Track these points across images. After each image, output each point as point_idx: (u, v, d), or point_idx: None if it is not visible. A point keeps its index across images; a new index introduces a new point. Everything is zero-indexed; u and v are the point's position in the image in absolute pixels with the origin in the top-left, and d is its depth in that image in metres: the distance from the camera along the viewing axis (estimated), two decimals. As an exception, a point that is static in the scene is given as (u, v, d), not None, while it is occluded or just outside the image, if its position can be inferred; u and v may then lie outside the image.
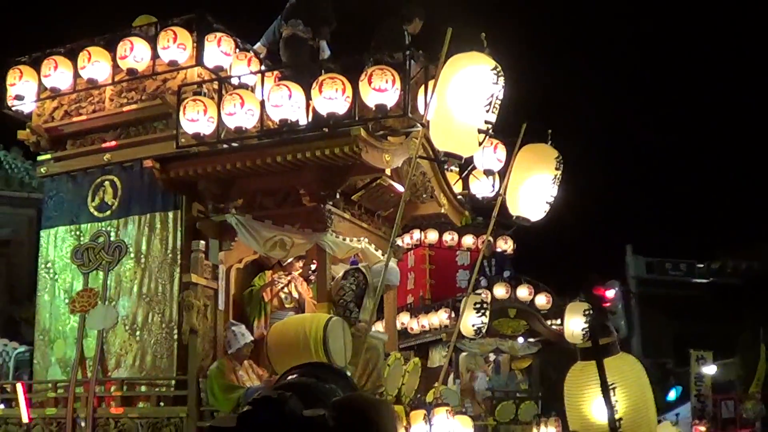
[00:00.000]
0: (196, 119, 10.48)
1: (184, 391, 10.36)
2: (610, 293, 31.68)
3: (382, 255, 11.54)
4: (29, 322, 13.44)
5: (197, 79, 11.15)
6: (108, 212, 11.44)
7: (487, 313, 14.96)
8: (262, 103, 10.45)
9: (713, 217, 41.26)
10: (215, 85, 10.91)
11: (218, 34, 11.30)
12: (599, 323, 14.60)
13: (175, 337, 10.61)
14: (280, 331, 10.37)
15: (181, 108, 10.56)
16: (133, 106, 11.44)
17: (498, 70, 8.40)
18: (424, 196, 12.22)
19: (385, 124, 10.53)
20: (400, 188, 11.31)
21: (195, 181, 10.77)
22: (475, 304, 14.63)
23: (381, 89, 9.79)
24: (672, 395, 30.87)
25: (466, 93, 8.40)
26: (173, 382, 10.64)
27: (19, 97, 11.90)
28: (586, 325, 15.64)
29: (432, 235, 20.49)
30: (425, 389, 12.48)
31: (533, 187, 10.05)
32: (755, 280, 36.55)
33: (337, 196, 10.78)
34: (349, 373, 9.21)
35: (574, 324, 15.73)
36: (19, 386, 10.97)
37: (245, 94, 10.55)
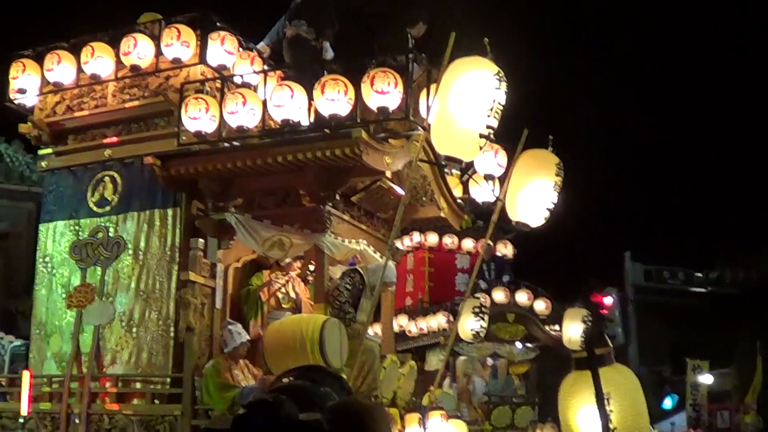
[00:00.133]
0: (198, 117, 10.48)
1: (179, 389, 10.35)
2: (608, 300, 31.67)
3: (381, 257, 11.55)
4: (26, 316, 13.42)
5: (200, 77, 11.15)
6: (107, 208, 11.44)
7: (486, 317, 14.93)
8: (264, 103, 10.45)
9: (712, 226, 41.25)
10: (218, 84, 10.90)
11: (222, 33, 11.30)
12: (595, 333, 14.63)
13: (172, 334, 10.60)
14: (276, 331, 10.36)
15: (183, 106, 10.56)
16: (136, 103, 11.44)
17: (500, 75, 8.42)
18: (424, 199, 12.22)
19: (386, 126, 10.53)
20: (400, 191, 11.32)
21: (195, 179, 10.78)
22: (473, 308, 14.59)
23: (383, 92, 9.79)
24: (668, 404, 30.88)
25: (467, 97, 8.41)
26: (168, 379, 10.64)
27: (21, 91, 11.92)
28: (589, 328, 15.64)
29: (432, 238, 20.42)
30: (422, 392, 12.48)
31: (533, 193, 10.04)
32: (753, 290, 36.53)
33: (337, 198, 10.78)
34: (344, 376, 9.23)
35: (573, 330, 15.70)
36: (26, 374, 10.93)
37: (247, 93, 10.55)
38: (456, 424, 11.73)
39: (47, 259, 11.72)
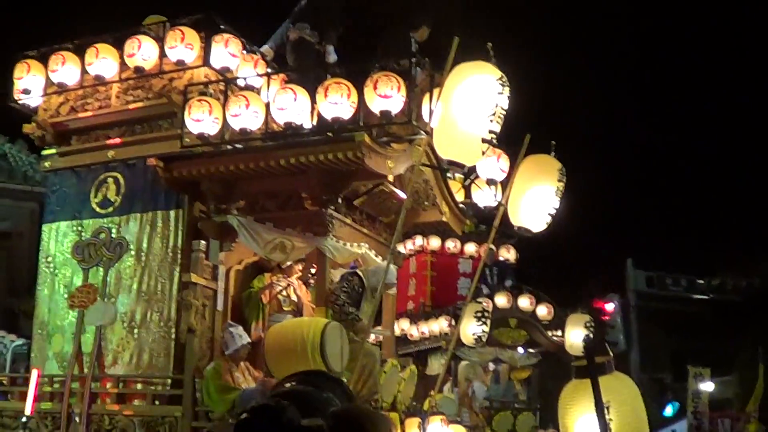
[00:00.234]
0: (201, 119, 10.50)
1: (180, 390, 10.37)
2: (610, 306, 31.66)
3: (383, 261, 11.57)
4: (28, 316, 13.44)
5: (203, 79, 11.17)
6: (110, 209, 11.47)
7: (488, 322, 14.93)
8: (268, 106, 10.46)
9: (715, 233, 41.21)
10: (221, 86, 10.91)
11: (226, 35, 11.32)
12: (595, 341, 14.63)
13: (173, 336, 10.63)
14: (277, 334, 10.37)
15: (187, 107, 10.58)
16: (139, 104, 11.48)
17: (503, 80, 8.43)
18: (426, 203, 12.24)
19: (389, 130, 10.55)
20: (402, 195, 11.32)
21: (198, 180, 10.79)
22: (476, 312, 14.61)
23: (386, 96, 9.80)
24: (669, 411, 30.85)
25: (470, 102, 8.42)
26: (169, 381, 10.65)
27: (26, 91, 11.95)
28: (590, 335, 15.63)
29: (434, 242, 20.43)
30: (423, 397, 12.49)
31: (535, 198, 10.04)
32: (755, 297, 36.48)
33: (339, 201, 10.79)
34: (345, 380, 9.24)
35: (575, 336, 15.69)
36: (33, 373, 10.93)
37: (251, 95, 10.56)
38: (456, 429, 11.74)
39: (50, 259, 11.75)
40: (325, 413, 2.72)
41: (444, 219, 12.51)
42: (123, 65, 11.51)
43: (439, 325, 18.59)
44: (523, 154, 10.19)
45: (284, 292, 11.68)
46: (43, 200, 13.81)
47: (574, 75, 45.90)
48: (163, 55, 11.31)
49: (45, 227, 11.99)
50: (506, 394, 19.68)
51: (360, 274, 11.16)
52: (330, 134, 10.22)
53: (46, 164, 12.20)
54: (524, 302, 18.87)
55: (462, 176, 12.07)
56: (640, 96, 53.65)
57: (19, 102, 12.10)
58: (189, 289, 10.45)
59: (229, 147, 10.75)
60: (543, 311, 18.92)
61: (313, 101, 10.26)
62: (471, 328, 14.60)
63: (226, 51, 11.31)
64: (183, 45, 11.14)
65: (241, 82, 11.27)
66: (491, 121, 8.38)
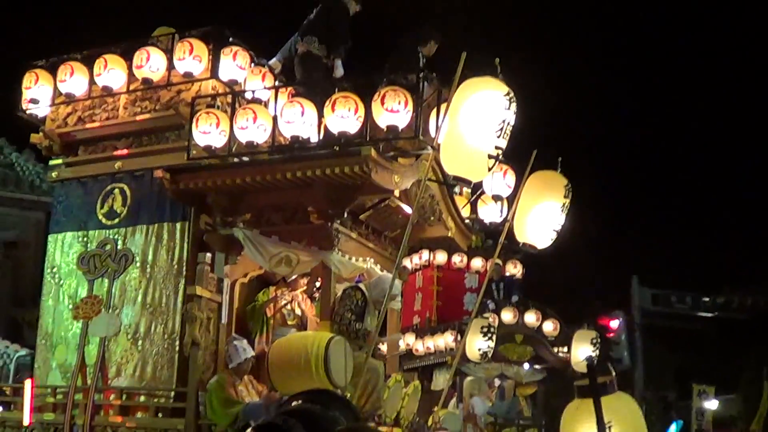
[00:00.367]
0: (209, 132, 10.50)
1: (183, 403, 10.34)
2: (615, 324, 31.64)
3: (383, 272, 11.59)
4: (32, 326, 13.44)
5: (211, 91, 11.16)
6: (116, 220, 11.45)
7: (494, 337, 14.92)
8: (275, 119, 10.47)
9: (720, 251, 41.21)
10: (229, 99, 10.90)
11: (234, 48, 11.31)
12: (598, 361, 14.58)
13: (177, 348, 10.60)
14: (281, 348, 10.36)
15: (194, 120, 10.58)
16: (147, 116, 11.47)
17: (510, 95, 8.41)
18: (432, 218, 12.22)
19: (395, 145, 10.53)
20: (408, 210, 11.32)
21: (204, 193, 10.78)
22: (482, 328, 14.61)
23: (393, 110, 9.81)
24: (673, 429, 30.79)
25: (477, 117, 8.40)
26: (172, 393, 10.62)
27: (34, 101, 11.95)
28: (594, 354, 15.61)
29: (441, 257, 20.42)
30: (428, 412, 12.47)
31: (541, 215, 10.03)
32: (760, 316, 36.46)
33: (345, 215, 10.76)
34: (348, 394, 9.24)
35: (582, 352, 15.68)
36: (27, 383, 10.94)
37: (258, 108, 10.56)
38: (460, 444, 11.72)
39: (55, 269, 11.74)
40: (331, 432, 2.72)
41: (450, 234, 12.49)
42: (131, 76, 11.52)
43: (445, 340, 18.56)
44: (529, 170, 10.18)
45: (289, 306, 11.68)
46: (49, 210, 13.82)
47: (582, 92, 45.93)
48: (171, 66, 11.31)
49: (51, 237, 11.98)
50: (511, 410, 19.63)
51: (362, 287, 11.14)
52: (337, 148, 10.21)
53: (53, 174, 12.19)
54: (530, 318, 18.85)
55: (469, 191, 12.06)
56: (647, 114, 53.69)
57: (27, 112, 12.10)
58: (194, 302, 10.44)
59: (235, 160, 10.75)
60: (549, 327, 18.90)
61: (321, 115, 10.26)
62: (477, 344, 14.60)
63: (234, 64, 11.30)
64: (191, 57, 11.15)
65: (248, 95, 11.26)
66: (498, 136, 8.37)
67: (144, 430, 10.53)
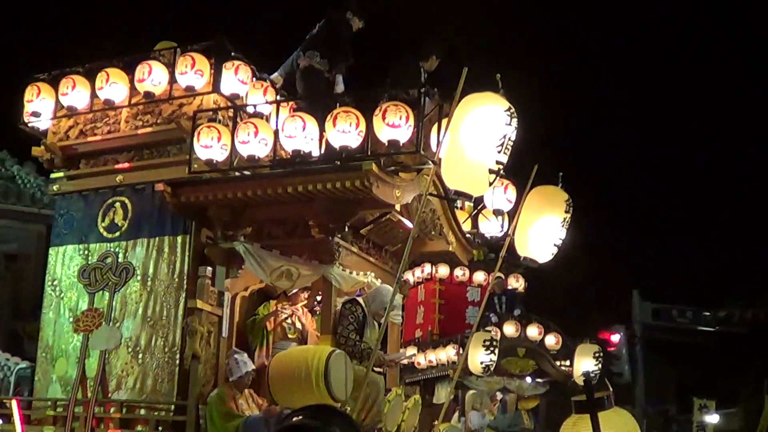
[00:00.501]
0: (210, 146, 10.52)
1: (184, 416, 10.34)
2: (615, 338, 31.63)
3: (381, 283, 11.62)
4: (33, 338, 13.45)
5: (213, 105, 11.18)
6: (117, 233, 11.45)
7: (496, 350, 14.92)
8: (276, 133, 10.48)
9: (721, 265, 41.20)
10: (230, 113, 10.92)
11: (236, 62, 11.34)
12: (595, 376, 14.56)
13: (177, 362, 10.59)
14: (282, 362, 10.37)
15: (196, 134, 10.59)
16: (148, 129, 11.49)
17: (511, 111, 8.42)
18: (433, 233, 12.24)
19: (397, 159, 10.56)
20: (409, 224, 11.33)
21: (205, 207, 10.80)
22: (484, 341, 14.62)
23: (394, 125, 9.82)
24: (673, 443, 30.81)
25: (478, 132, 8.41)
26: (173, 407, 10.61)
27: (35, 114, 11.97)
28: (596, 368, 15.62)
29: (443, 270, 20.42)
30: (430, 426, 12.47)
31: (542, 229, 10.03)
32: (761, 329, 36.46)
33: (346, 230, 10.79)
34: (349, 408, 9.23)
35: (584, 366, 15.67)
36: (14, 403, 10.94)
37: (259, 123, 10.58)
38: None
39: (56, 282, 11.73)
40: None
41: (451, 249, 12.51)
42: (133, 90, 11.54)
43: (447, 353, 18.55)
44: (530, 185, 10.19)
45: (289, 320, 11.68)
46: (50, 223, 13.80)
47: (583, 107, 45.99)
48: (173, 80, 11.33)
49: (52, 250, 11.97)
50: (513, 424, 19.63)
51: (360, 301, 11.14)
52: (338, 163, 10.23)
53: (55, 187, 12.20)
54: (533, 331, 18.83)
55: (471, 205, 12.08)
56: (647, 130, 53.74)
57: (29, 125, 12.12)
58: (194, 315, 10.45)
59: (237, 174, 10.76)
60: (551, 341, 18.88)
61: (322, 129, 10.29)
62: (480, 357, 14.60)
63: (236, 78, 11.32)
64: (193, 71, 11.17)
65: (250, 109, 11.29)
66: (499, 151, 8.38)
67: (144, 443, 10.54)
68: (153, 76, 11.32)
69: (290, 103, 11.47)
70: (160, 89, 11.38)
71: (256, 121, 10.61)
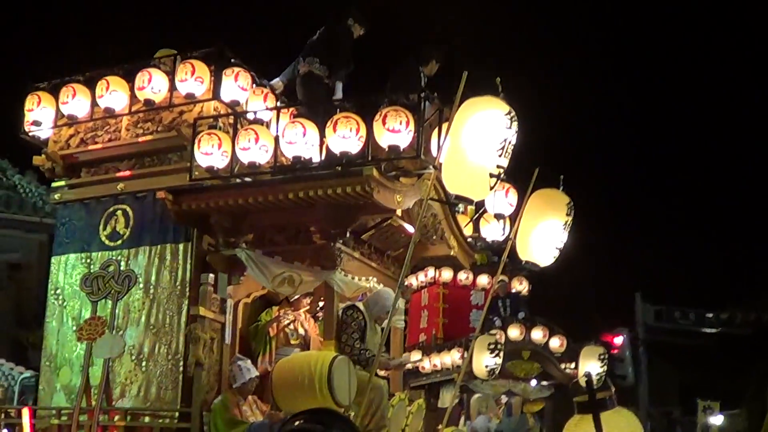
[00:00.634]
0: (211, 153, 10.52)
1: (188, 423, 10.34)
2: (618, 340, 31.60)
3: (382, 286, 11.62)
4: (36, 348, 13.45)
5: (213, 112, 11.17)
6: (119, 241, 11.45)
7: (501, 354, 14.91)
8: (277, 140, 10.50)
9: (723, 267, 41.18)
10: (230, 120, 10.93)
11: (236, 69, 11.34)
12: (600, 378, 14.55)
13: (181, 369, 10.59)
14: (285, 368, 10.38)
15: (196, 141, 10.60)
16: (149, 137, 11.49)
17: (512, 114, 8.43)
18: (434, 237, 12.22)
19: (397, 164, 10.55)
20: (410, 229, 11.34)
21: (207, 214, 10.80)
22: (489, 344, 14.61)
23: (395, 130, 9.83)
24: (677, 445, 30.80)
25: (479, 137, 8.42)
26: (177, 414, 10.60)
27: (36, 123, 11.97)
28: (601, 370, 15.61)
29: (446, 274, 20.39)
30: (434, 430, 12.46)
31: (543, 233, 10.04)
32: (764, 331, 36.43)
33: (348, 235, 10.80)
34: (353, 413, 9.22)
35: (589, 368, 15.65)
36: (25, 411, 10.95)
37: (260, 129, 10.59)
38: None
39: (58, 291, 11.73)
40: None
41: (452, 253, 12.51)
42: (133, 98, 11.54)
43: (451, 357, 18.54)
44: (531, 188, 10.20)
45: (292, 326, 11.68)
46: (52, 231, 13.81)
47: (584, 109, 45.97)
48: (173, 88, 11.33)
49: (54, 259, 11.97)
50: (519, 427, 19.61)
51: (360, 307, 11.14)
52: (338, 168, 10.24)
53: (56, 196, 12.20)
54: (537, 334, 18.80)
55: (473, 209, 12.07)
56: (649, 132, 53.76)
57: (30, 134, 12.12)
58: (197, 323, 10.46)
59: (238, 180, 10.77)
60: (556, 343, 18.86)
61: (322, 135, 10.29)
62: (484, 360, 14.59)
63: (236, 84, 11.32)
64: (193, 78, 11.17)
65: (250, 116, 11.29)
66: (499, 155, 8.39)
67: (149, 451, 10.54)
68: (153, 84, 11.33)
69: (290, 109, 11.48)
70: (161, 97, 11.39)
71: (256, 127, 10.62)
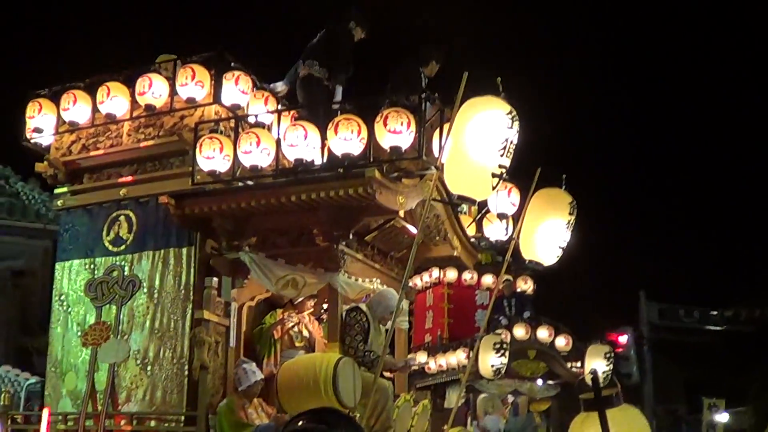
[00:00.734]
0: (212, 157, 10.53)
1: (193, 427, 10.34)
2: (623, 339, 31.58)
3: (385, 287, 11.63)
4: (41, 354, 13.44)
5: (214, 116, 11.19)
6: (122, 247, 11.46)
7: (507, 353, 14.89)
8: (278, 143, 10.50)
9: (727, 264, 41.15)
10: (232, 123, 10.95)
11: (236, 73, 11.35)
12: (606, 376, 14.55)
13: (186, 372, 10.60)
14: (290, 370, 10.39)
15: (198, 145, 10.61)
16: (150, 142, 11.49)
17: (513, 114, 8.43)
18: (437, 238, 12.23)
19: (399, 166, 10.55)
20: (413, 230, 11.34)
21: (209, 218, 10.81)
22: (494, 344, 14.58)
23: (396, 131, 9.83)
24: (683, 443, 30.79)
25: (480, 137, 8.42)
26: (183, 417, 10.61)
27: (38, 130, 11.99)
28: (607, 368, 15.61)
29: (451, 274, 20.36)
30: (441, 430, 12.45)
31: (547, 232, 10.05)
32: (768, 328, 36.43)
33: (351, 237, 10.81)
34: (358, 415, 9.23)
35: (595, 367, 15.63)
36: (45, 412, 10.94)
37: (261, 133, 10.59)
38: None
39: (63, 297, 11.74)
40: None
41: (455, 254, 12.50)
42: (134, 103, 11.55)
43: (457, 357, 18.52)
44: (533, 188, 10.20)
45: (296, 328, 11.70)
46: (55, 238, 13.82)
47: (586, 107, 45.97)
48: (173, 93, 11.34)
49: (58, 265, 11.99)
50: (526, 426, 19.61)
51: (363, 308, 11.14)
52: (340, 170, 10.24)
53: (59, 202, 12.20)
54: (543, 333, 18.78)
55: (475, 209, 12.08)
56: (651, 131, 53.72)
57: (32, 141, 12.14)
58: (201, 326, 10.46)
59: (240, 184, 10.77)
60: (561, 342, 18.84)
61: (324, 137, 10.29)
62: (490, 360, 14.57)
63: (237, 88, 11.34)
64: (193, 83, 11.18)
65: (251, 119, 11.31)
66: (501, 155, 8.39)
67: (155, 454, 10.56)
68: (154, 89, 11.34)
69: (291, 112, 11.49)
70: (161, 102, 11.40)
71: (257, 131, 10.63)
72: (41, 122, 11.97)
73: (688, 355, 35.66)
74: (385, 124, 9.85)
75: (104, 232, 11.57)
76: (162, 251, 11.14)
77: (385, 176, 10.08)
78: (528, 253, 10.15)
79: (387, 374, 11.37)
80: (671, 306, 38.51)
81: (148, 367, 10.88)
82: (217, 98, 11.26)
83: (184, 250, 11.01)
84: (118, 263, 11.39)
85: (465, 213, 12.52)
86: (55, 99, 11.95)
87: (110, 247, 11.52)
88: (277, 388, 10.36)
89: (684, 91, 52.03)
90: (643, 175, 51.01)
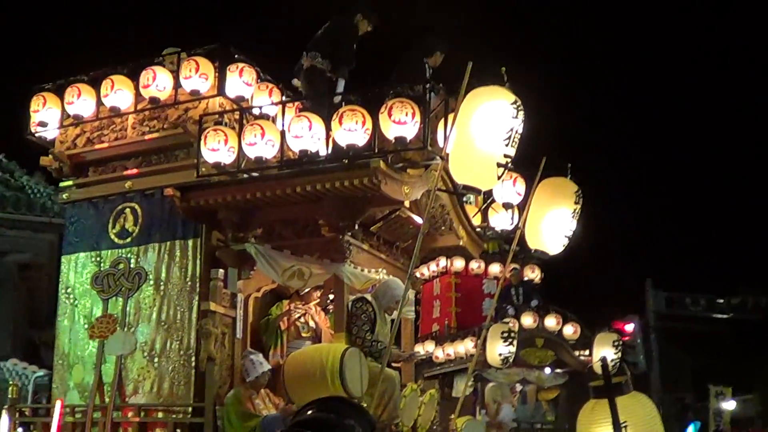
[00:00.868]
0: (217, 149, 10.54)
1: (201, 418, 10.35)
2: (630, 327, 31.58)
3: (390, 276, 11.63)
4: (49, 347, 13.47)
5: (218, 108, 11.20)
6: (128, 239, 11.47)
7: (515, 342, 14.90)
8: (283, 134, 10.49)
9: (734, 252, 41.16)
10: (236, 115, 10.95)
11: (240, 65, 11.37)
12: (615, 364, 14.56)
13: (193, 364, 10.62)
14: (296, 361, 10.40)
15: (202, 137, 10.62)
16: (155, 135, 11.50)
17: (518, 104, 8.43)
18: (443, 228, 12.24)
19: (404, 156, 10.54)
20: (418, 220, 11.34)
21: (215, 209, 10.81)
22: (502, 333, 14.59)
23: (401, 122, 9.82)
24: (690, 430, 30.74)
25: (485, 127, 8.43)
26: (190, 409, 10.63)
27: (42, 124, 12.00)
28: (615, 357, 15.63)
29: (458, 263, 20.40)
30: (449, 419, 12.47)
31: (552, 221, 10.05)
32: (775, 316, 36.43)
33: (356, 227, 10.80)
34: (365, 405, 9.22)
35: (604, 355, 15.64)
36: (57, 404, 10.96)
37: (266, 124, 10.60)
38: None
39: (69, 290, 11.76)
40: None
41: (461, 243, 12.51)
42: (138, 96, 11.55)
43: (465, 346, 18.56)
44: (539, 177, 10.20)
45: (302, 319, 11.71)
46: (61, 231, 13.82)
47: (592, 95, 45.94)
48: (177, 85, 11.35)
49: (64, 258, 12.00)
50: (535, 414, 19.64)
51: (369, 298, 11.14)
52: (345, 161, 10.23)
53: (64, 196, 12.21)
54: (551, 322, 18.81)
55: (481, 199, 12.07)
56: (659, 118, 53.66)
57: (36, 135, 12.15)
58: (208, 318, 10.46)
59: (245, 176, 10.78)
60: (569, 330, 18.87)
61: (328, 129, 10.29)
62: (498, 349, 14.59)
63: (241, 80, 11.35)
64: (197, 75, 11.19)
65: (256, 111, 11.31)
66: (506, 145, 8.39)
67: (163, 446, 10.57)
68: (158, 82, 11.35)
69: (296, 103, 11.49)
70: (165, 94, 11.41)
71: (262, 122, 10.64)
72: (46, 116, 11.98)
73: (695, 343, 35.65)
74: (389, 115, 9.84)
75: (110, 225, 11.59)
76: (168, 243, 11.15)
77: (390, 167, 10.07)
78: (534, 243, 10.15)
79: (392, 364, 11.37)
80: (678, 294, 38.49)
81: (155, 359, 10.90)
82: (221, 90, 11.27)
83: (190, 242, 11.02)
84: (124, 256, 11.40)
85: (470, 203, 12.51)
86: (60, 93, 11.97)
87: (116, 240, 11.53)
88: (284, 379, 10.37)
89: (692, 75, 52.00)
90: (649, 164, 50.96)
